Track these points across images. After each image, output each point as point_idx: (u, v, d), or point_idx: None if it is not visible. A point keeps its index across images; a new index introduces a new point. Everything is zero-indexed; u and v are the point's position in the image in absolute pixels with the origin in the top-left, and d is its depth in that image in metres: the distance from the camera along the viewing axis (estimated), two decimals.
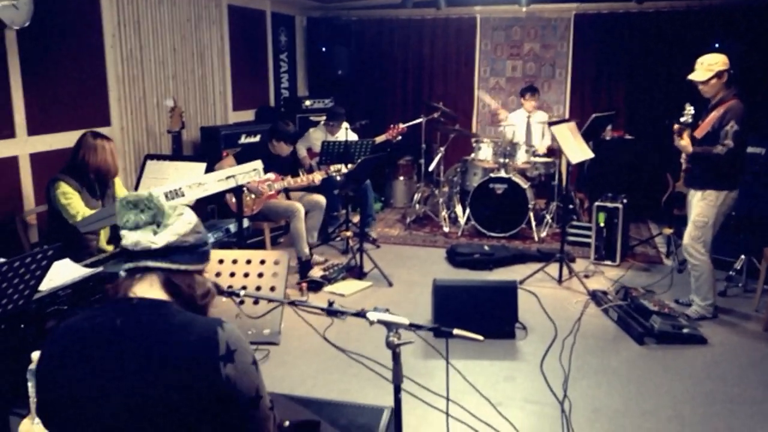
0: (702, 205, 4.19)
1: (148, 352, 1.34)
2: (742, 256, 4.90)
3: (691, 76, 4.14)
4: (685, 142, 4.11)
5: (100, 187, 3.72)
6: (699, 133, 4.15)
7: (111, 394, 1.32)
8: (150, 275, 1.45)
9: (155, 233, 1.44)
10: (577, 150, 4.96)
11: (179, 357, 1.34)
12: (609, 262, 5.55)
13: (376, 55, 8.21)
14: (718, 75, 4.07)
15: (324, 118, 6.62)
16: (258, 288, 2.21)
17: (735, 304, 4.61)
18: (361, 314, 1.82)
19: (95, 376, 1.34)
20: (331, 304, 1.89)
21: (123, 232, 1.45)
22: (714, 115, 4.09)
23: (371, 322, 1.80)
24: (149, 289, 1.44)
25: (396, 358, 1.83)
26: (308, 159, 6.33)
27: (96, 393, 1.33)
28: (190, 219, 1.50)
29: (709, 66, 4.08)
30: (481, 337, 1.82)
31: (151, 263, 1.44)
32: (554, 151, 6.77)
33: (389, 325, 1.79)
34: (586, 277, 5.19)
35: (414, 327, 1.81)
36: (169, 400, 1.31)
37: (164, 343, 1.35)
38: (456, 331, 1.82)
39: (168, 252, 1.44)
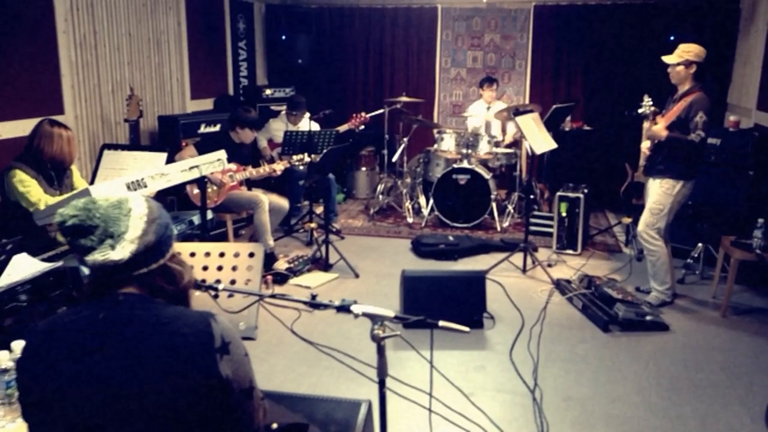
0: (659, 193, 4.28)
1: (137, 345, 1.30)
2: (700, 245, 5.03)
3: (665, 57, 4.23)
4: (658, 127, 4.17)
5: (57, 175, 3.56)
6: (664, 123, 4.23)
7: (95, 390, 1.28)
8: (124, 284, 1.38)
9: (113, 247, 1.33)
10: (541, 140, 5.00)
11: (173, 350, 1.30)
12: (570, 251, 5.63)
13: (337, 43, 8.11)
14: (686, 64, 4.15)
15: (284, 107, 6.52)
16: (232, 281, 2.14)
17: (693, 292, 4.73)
18: (345, 308, 1.77)
19: (77, 372, 1.29)
20: (314, 297, 1.84)
21: (80, 257, 1.35)
22: (680, 105, 4.17)
23: (356, 315, 1.75)
24: (129, 290, 1.39)
25: (381, 351, 1.79)
26: (269, 150, 6.22)
27: (78, 389, 1.28)
28: (141, 211, 1.38)
29: (682, 52, 4.17)
30: (467, 329, 1.79)
31: (122, 276, 1.36)
32: (516, 142, 6.83)
33: (374, 318, 1.75)
34: (549, 266, 5.25)
35: (399, 319, 1.78)
36: (161, 394, 1.27)
37: (155, 337, 1.31)
38: (442, 323, 1.79)
39: (136, 261, 1.35)
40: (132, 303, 1.35)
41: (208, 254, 2.21)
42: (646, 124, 4.22)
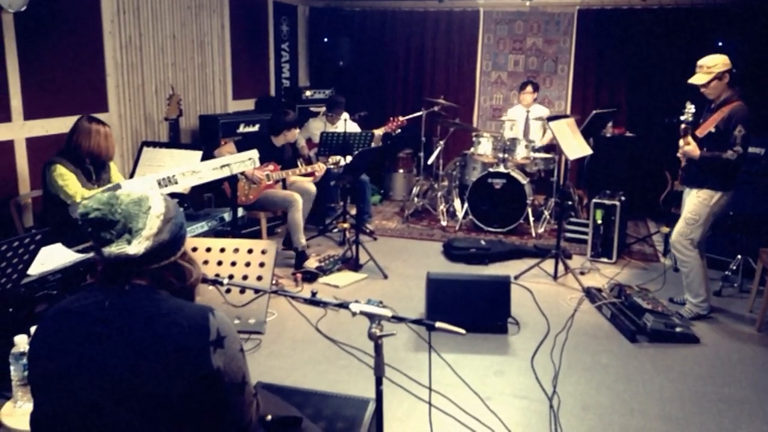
0: (696, 203, 4.17)
1: (136, 334, 1.36)
2: (738, 256, 4.89)
3: (692, 80, 4.08)
4: (690, 147, 4.07)
5: (95, 170, 3.72)
6: (700, 133, 4.11)
7: (94, 372, 1.35)
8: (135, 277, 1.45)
9: (129, 242, 1.40)
10: (575, 146, 4.94)
11: (170, 340, 1.36)
12: (605, 260, 5.53)
13: (378, 46, 8.17)
14: (719, 77, 4.01)
15: (324, 108, 6.62)
16: (245, 277, 2.21)
17: (730, 304, 4.59)
18: (343, 305, 1.81)
19: (80, 354, 1.37)
20: (314, 294, 1.88)
21: (98, 247, 1.43)
22: (717, 116, 4.03)
23: (353, 314, 1.79)
24: (139, 281, 1.46)
25: (378, 349, 1.82)
26: (307, 149, 6.32)
27: (80, 370, 1.36)
28: (158, 210, 1.46)
29: (708, 69, 4.03)
30: (462, 331, 1.81)
31: (134, 269, 1.44)
32: (554, 147, 6.75)
33: (371, 317, 1.79)
34: (582, 273, 5.18)
35: (396, 319, 1.81)
36: (155, 382, 1.33)
37: (154, 326, 1.37)
38: (438, 324, 1.81)
39: (149, 256, 1.43)
40: (137, 293, 1.43)
41: (223, 250, 2.29)
42: (681, 142, 4.12)
